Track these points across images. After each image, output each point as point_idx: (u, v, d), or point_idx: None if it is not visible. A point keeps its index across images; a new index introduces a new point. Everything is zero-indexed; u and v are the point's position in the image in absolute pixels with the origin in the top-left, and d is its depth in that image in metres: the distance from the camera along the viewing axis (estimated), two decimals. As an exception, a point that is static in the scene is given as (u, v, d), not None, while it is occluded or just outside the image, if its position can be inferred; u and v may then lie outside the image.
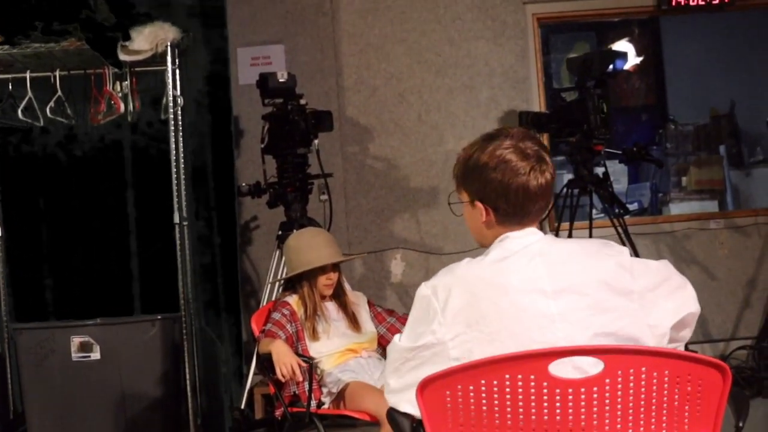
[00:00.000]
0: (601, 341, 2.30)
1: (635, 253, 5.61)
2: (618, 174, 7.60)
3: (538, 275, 2.36)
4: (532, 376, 2.08)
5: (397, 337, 2.46)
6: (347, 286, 4.62)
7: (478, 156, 2.47)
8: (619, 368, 2.10)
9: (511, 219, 2.46)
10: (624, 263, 2.43)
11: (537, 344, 2.27)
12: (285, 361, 3.93)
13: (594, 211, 5.99)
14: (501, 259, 2.41)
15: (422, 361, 2.34)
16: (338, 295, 4.44)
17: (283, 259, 4.74)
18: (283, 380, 4.01)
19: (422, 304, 2.39)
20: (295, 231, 4.94)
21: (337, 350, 4.24)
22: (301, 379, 3.99)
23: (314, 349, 4.22)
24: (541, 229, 2.53)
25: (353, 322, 4.36)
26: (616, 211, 5.78)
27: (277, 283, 5.22)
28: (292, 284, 4.46)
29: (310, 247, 4.38)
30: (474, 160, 2.48)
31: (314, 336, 4.25)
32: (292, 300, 4.37)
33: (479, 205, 2.48)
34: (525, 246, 2.42)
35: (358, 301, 4.50)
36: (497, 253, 2.43)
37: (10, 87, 5.64)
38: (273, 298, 5.33)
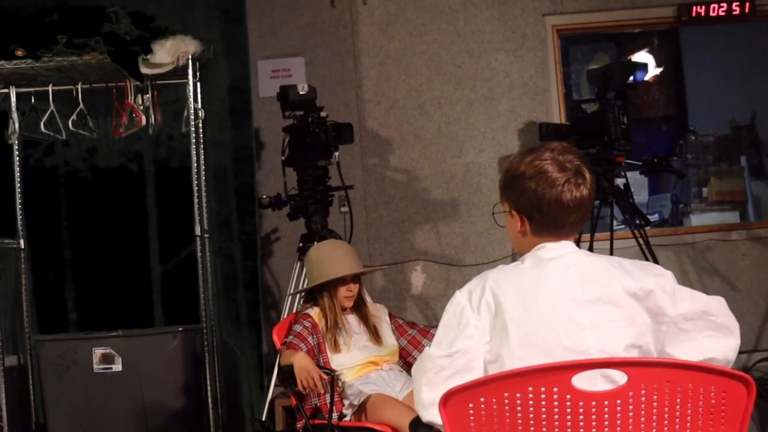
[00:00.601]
0: (632, 353, 2.32)
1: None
2: (638, 185, 7.58)
3: (570, 284, 2.39)
4: (556, 389, 2.08)
5: (427, 349, 2.46)
6: (368, 299, 4.63)
7: (517, 166, 2.51)
8: (643, 381, 2.10)
9: (545, 230, 2.49)
10: (665, 286, 2.44)
11: (566, 350, 2.30)
12: (306, 374, 3.93)
13: (615, 223, 5.98)
14: (535, 266, 2.45)
15: (457, 370, 2.36)
16: (359, 308, 4.45)
17: (304, 271, 4.75)
18: (304, 392, 4.01)
19: (456, 310, 2.42)
20: (315, 243, 4.95)
21: (359, 363, 4.24)
22: (322, 391, 4.00)
23: (336, 361, 4.22)
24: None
25: (374, 334, 4.36)
26: (637, 222, 5.77)
27: (298, 295, 5.22)
28: (313, 296, 4.47)
29: (331, 258, 4.39)
30: (514, 169, 2.52)
31: (335, 348, 4.25)
32: (314, 312, 4.37)
33: (515, 214, 2.52)
34: (560, 256, 2.46)
35: (379, 314, 4.50)
36: (532, 261, 2.47)
37: (33, 100, 5.69)
38: (294, 311, 5.34)
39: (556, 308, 2.36)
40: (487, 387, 2.14)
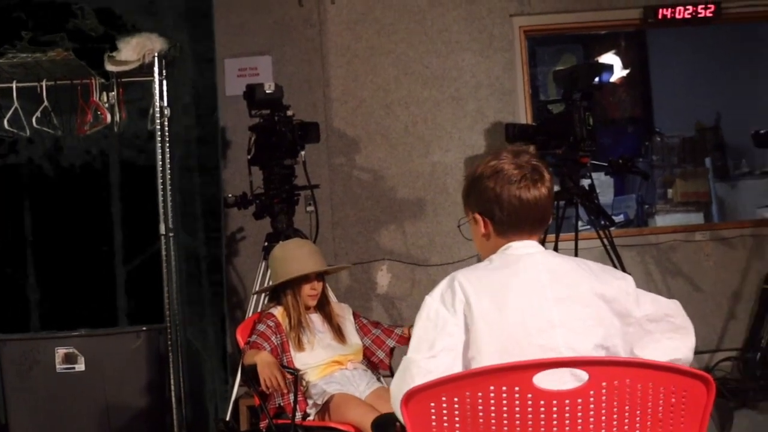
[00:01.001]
0: (600, 353, 2.34)
1: (621, 266, 5.63)
2: (604, 186, 7.62)
3: (540, 282, 2.42)
4: (517, 388, 2.08)
5: (406, 357, 2.42)
6: (332, 298, 4.63)
7: (476, 169, 2.57)
8: (604, 380, 2.10)
9: (508, 229, 2.52)
10: (628, 290, 2.49)
11: (538, 348, 2.33)
12: (269, 373, 3.92)
13: (580, 223, 6.01)
14: (505, 265, 2.48)
15: (444, 369, 2.33)
16: (323, 307, 4.44)
17: (269, 270, 4.74)
18: (268, 392, 4.00)
19: (429, 313, 2.42)
20: (281, 242, 4.93)
21: (323, 362, 4.23)
22: (285, 390, 3.99)
23: (299, 360, 4.21)
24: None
25: (338, 334, 4.36)
26: (602, 223, 5.79)
27: (263, 295, 5.21)
28: (277, 295, 4.46)
29: (295, 257, 4.39)
30: (473, 173, 2.58)
31: (299, 347, 4.24)
32: (277, 312, 4.36)
33: (478, 217, 2.55)
34: (528, 254, 2.49)
35: (344, 313, 4.50)
36: (501, 261, 2.50)
37: (-3, 97, 5.63)
38: (258, 310, 5.32)
39: (527, 306, 2.38)
40: (448, 386, 2.13)
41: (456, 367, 2.35)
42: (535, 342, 2.34)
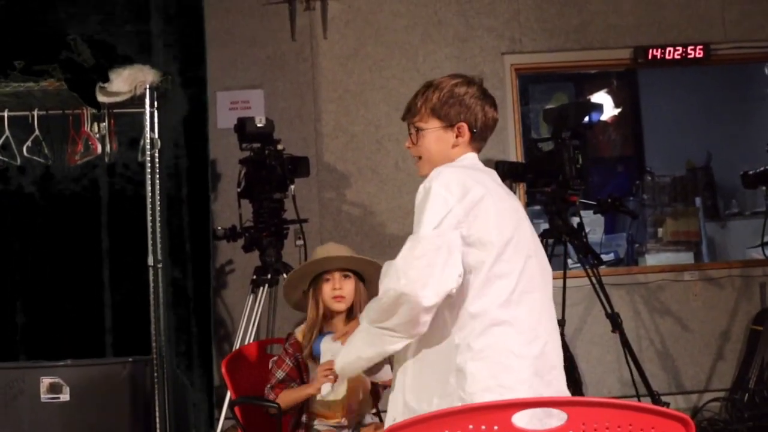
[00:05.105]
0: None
1: (609, 305, 5.62)
2: (595, 224, 7.64)
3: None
4: (495, 427, 2.08)
5: (416, 234, 2.85)
6: None
7: (459, 89, 3.02)
8: (583, 420, 2.10)
9: (478, 141, 3.07)
10: None
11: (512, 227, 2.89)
12: (312, 388, 3.54)
13: (570, 261, 6.01)
14: (479, 170, 3.03)
15: (450, 244, 2.74)
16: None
17: (260, 301, 4.63)
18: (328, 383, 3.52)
19: (430, 194, 2.89)
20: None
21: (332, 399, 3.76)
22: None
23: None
24: None
25: None
26: (591, 261, 5.80)
27: (249, 330, 5.16)
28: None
29: (317, 253, 3.83)
30: (456, 91, 3.02)
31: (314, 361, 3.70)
32: (299, 330, 3.84)
33: (463, 126, 3.01)
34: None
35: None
36: (472, 165, 3.04)
37: (-12, 126, 5.62)
38: (246, 342, 5.31)
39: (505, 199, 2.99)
40: (427, 424, 2.13)
41: (458, 247, 2.72)
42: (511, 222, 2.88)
